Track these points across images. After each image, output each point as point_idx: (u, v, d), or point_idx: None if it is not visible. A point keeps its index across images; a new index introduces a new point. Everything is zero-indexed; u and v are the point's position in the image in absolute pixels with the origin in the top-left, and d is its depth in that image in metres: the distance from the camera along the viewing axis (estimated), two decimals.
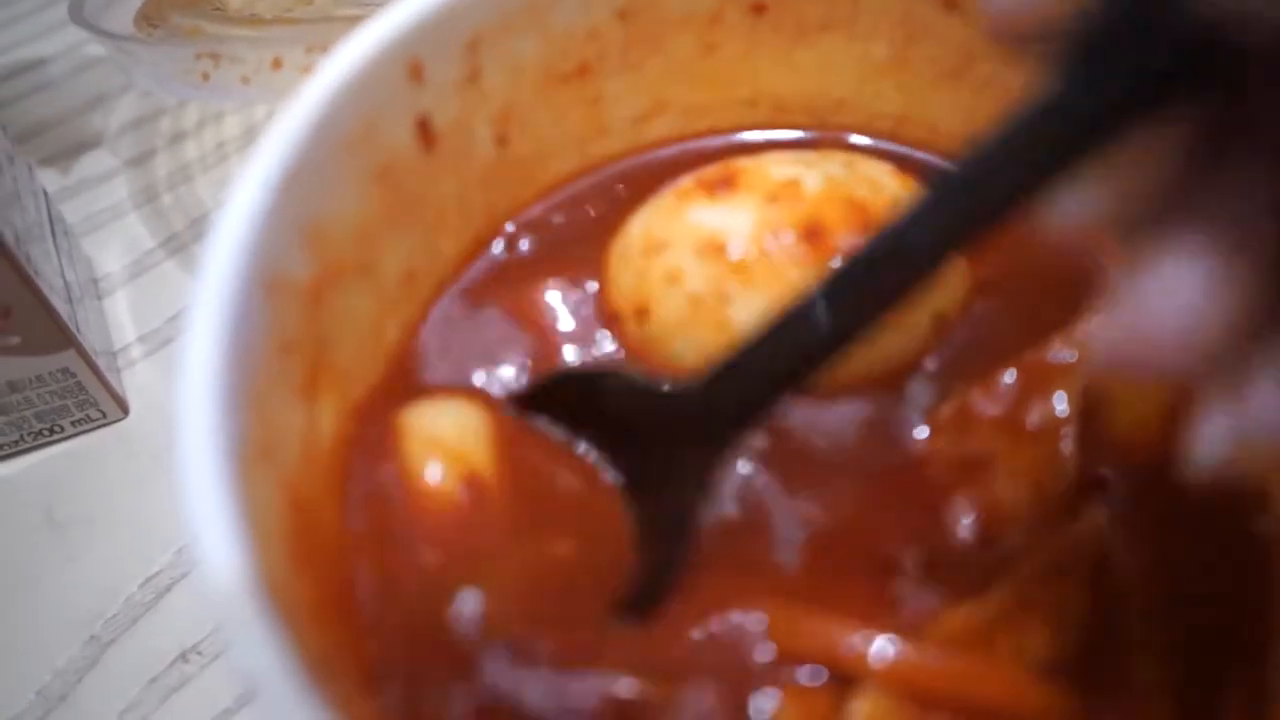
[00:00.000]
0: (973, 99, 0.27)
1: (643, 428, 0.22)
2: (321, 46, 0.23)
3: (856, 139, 0.29)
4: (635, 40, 0.25)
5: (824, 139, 0.28)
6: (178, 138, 0.37)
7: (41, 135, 0.36)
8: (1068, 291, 0.27)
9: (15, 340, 0.26)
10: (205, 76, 0.25)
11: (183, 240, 0.34)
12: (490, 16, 0.22)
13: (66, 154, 0.36)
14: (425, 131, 0.23)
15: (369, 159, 0.21)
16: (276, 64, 0.24)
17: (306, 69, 0.24)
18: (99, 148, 0.36)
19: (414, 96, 0.22)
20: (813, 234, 0.23)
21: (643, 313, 0.24)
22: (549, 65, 0.24)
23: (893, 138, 0.28)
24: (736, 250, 0.23)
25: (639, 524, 0.22)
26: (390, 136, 0.22)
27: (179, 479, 0.16)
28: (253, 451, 0.17)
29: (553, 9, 0.23)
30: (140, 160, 0.36)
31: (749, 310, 0.23)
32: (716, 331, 0.23)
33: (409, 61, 0.21)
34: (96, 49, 0.38)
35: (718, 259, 0.23)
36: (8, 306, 0.25)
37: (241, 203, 0.18)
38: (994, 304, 0.27)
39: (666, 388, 0.21)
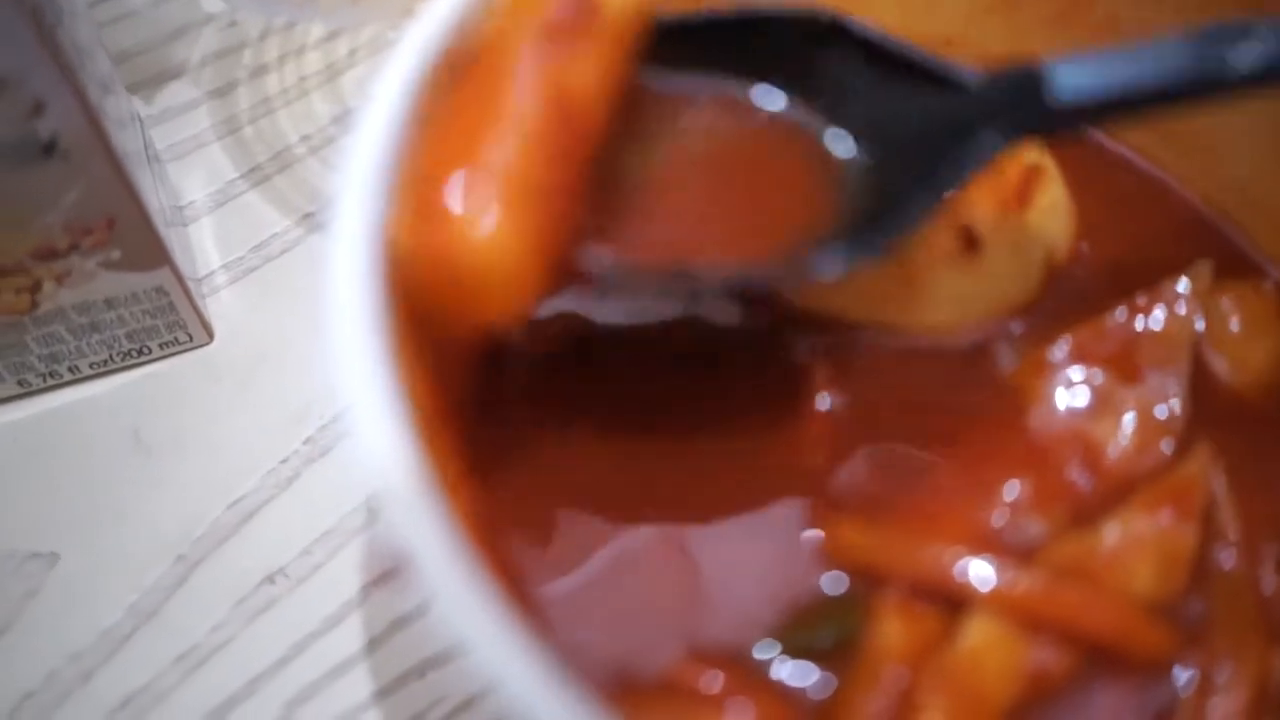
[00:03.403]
0: (1083, 40, 0.26)
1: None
2: None
3: None
4: None
5: None
6: (259, 71, 0.36)
7: (125, 64, 0.36)
8: (1176, 235, 0.27)
9: (116, 254, 0.26)
10: None
11: (265, 172, 0.34)
12: None
13: (150, 83, 0.36)
14: None
15: None
16: None
17: None
18: (181, 78, 0.36)
19: None
20: None
21: None
22: None
23: None
24: None
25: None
26: None
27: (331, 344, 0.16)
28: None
29: None
30: (222, 92, 0.36)
31: None
32: None
33: None
34: None
35: None
36: (113, 217, 0.25)
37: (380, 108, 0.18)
38: (1100, 246, 0.26)
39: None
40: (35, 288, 0.27)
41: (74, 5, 0.25)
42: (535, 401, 0.24)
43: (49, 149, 0.23)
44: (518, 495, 0.22)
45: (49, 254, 0.26)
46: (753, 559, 0.23)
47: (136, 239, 0.26)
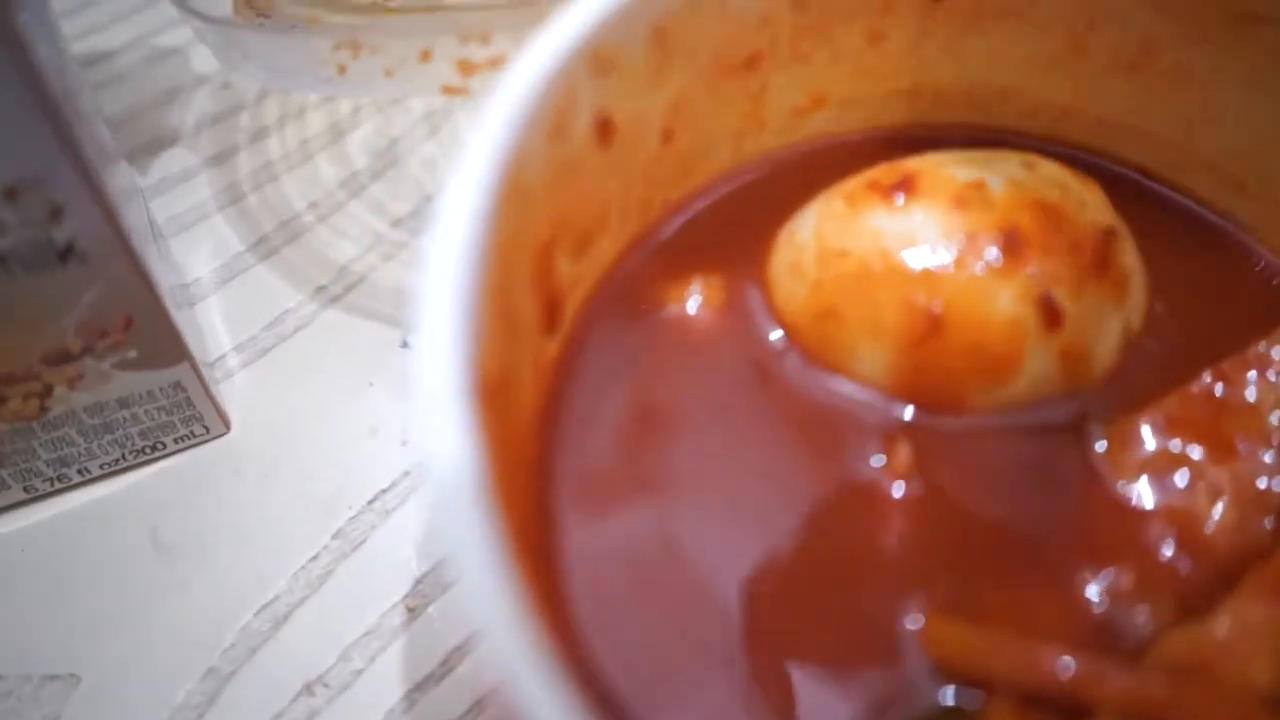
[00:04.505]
0: (1148, 90, 0.25)
1: None
2: (479, 36, 0.22)
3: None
4: (805, 29, 0.24)
5: (981, 137, 0.27)
6: (259, 134, 0.35)
7: (118, 131, 0.34)
8: (1252, 289, 0.26)
9: (133, 354, 0.25)
10: (342, 69, 0.23)
11: (273, 243, 0.32)
12: (674, 4, 0.21)
13: (144, 151, 0.34)
14: (603, 127, 0.21)
15: (556, 155, 0.20)
16: (425, 56, 0.23)
17: (461, 62, 0.22)
18: (177, 144, 0.34)
19: (598, 90, 0.20)
20: (1010, 242, 0.22)
21: (825, 315, 0.23)
22: (721, 55, 0.23)
23: (1052, 130, 0.27)
24: (928, 260, 0.22)
25: None
26: (574, 132, 0.20)
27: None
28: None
29: None
30: (222, 158, 0.34)
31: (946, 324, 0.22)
32: (904, 345, 0.22)
33: (597, 54, 0.20)
34: (167, 39, 0.36)
35: (906, 269, 0.22)
36: (130, 316, 0.24)
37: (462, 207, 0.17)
38: (1175, 306, 0.25)
39: None
40: (45, 392, 0.25)
41: (82, 87, 0.23)
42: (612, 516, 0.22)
43: (65, 254, 0.21)
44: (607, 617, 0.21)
45: (61, 358, 0.24)
46: (846, 662, 0.21)
47: (154, 337, 0.24)
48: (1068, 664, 0.20)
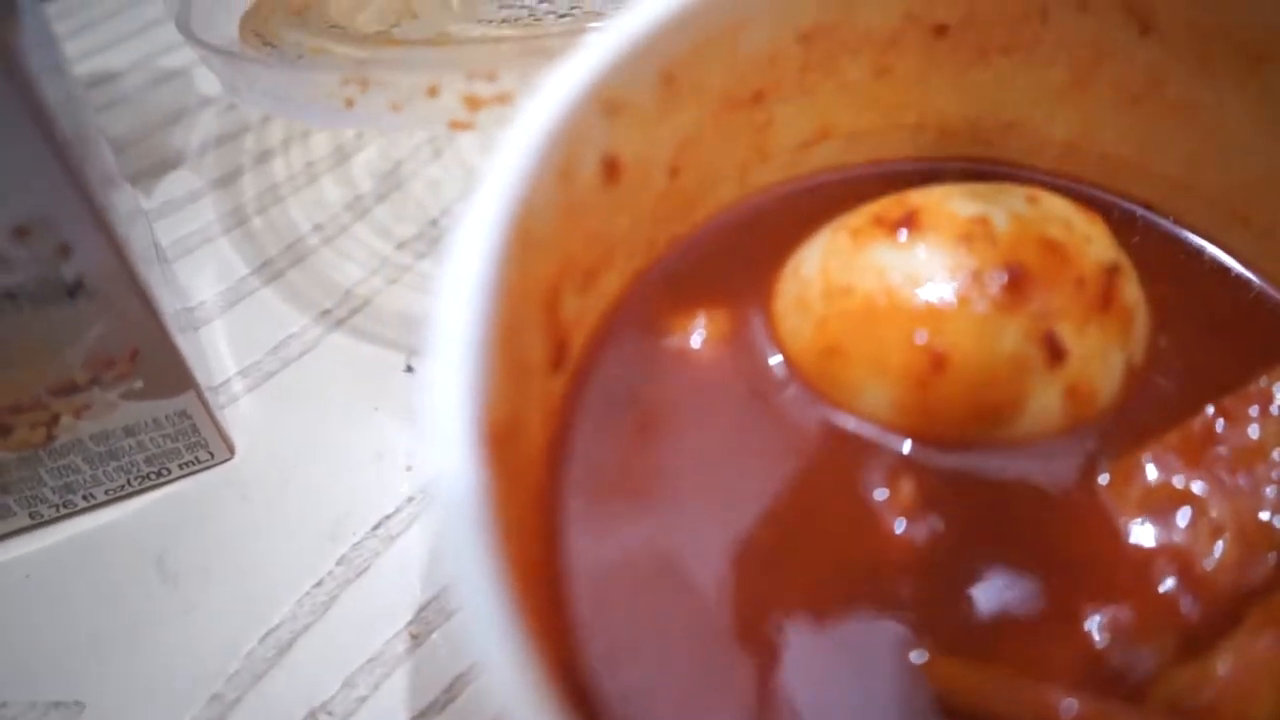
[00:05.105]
0: (1152, 125, 0.25)
1: None
2: (486, 73, 0.22)
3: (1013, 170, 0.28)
4: (811, 65, 0.24)
5: (985, 169, 0.27)
6: (264, 156, 0.35)
7: (122, 154, 0.34)
8: (1254, 322, 0.26)
9: (139, 385, 0.25)
10: (349, 103, 0.23)
11: (278, 266, 0.33)
12: (683, 46, 0.21)
13: (148, 173, 0.34)
14: (611, 167, 0.21)
15: (563, 199, 0.20)
16: (433, 91, 0.23)
17: (468, 97, 0.22)
18: (181, 167, 0.34)
19: (606, 133, 0.20)
20: (1015, 279, 0.22)
21: (830, 352, 0.23)
22: (728, 92, 0.23)
23: (1056, 164, 0.27)
24: (932, 297, 0.22)
25: None
26: (581, 175, 0.20)
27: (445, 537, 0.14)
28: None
29: (741, 33, 0.22)
30: (226, 180, 0.34)
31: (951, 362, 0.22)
32: (908, 382, 0.22)
33: (607, 97, 0.20)
34: (172, 61, 0.36)
35: (910, 307, 0.22)
36: (136, 348, 0.24)
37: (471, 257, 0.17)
38: (1177, 340, 0.25)
39: None
40: (52, 422, 0.25)
41: (87, 117, 0.24)
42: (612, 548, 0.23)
43: (74, 290, 0.21)
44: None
45: (68, 389, 0.24)
46: (852, 696, 0.21)
47: (160, 368, 0.25)
48: (1071, 705, 0.20)
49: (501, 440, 0.17)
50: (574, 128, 0.19)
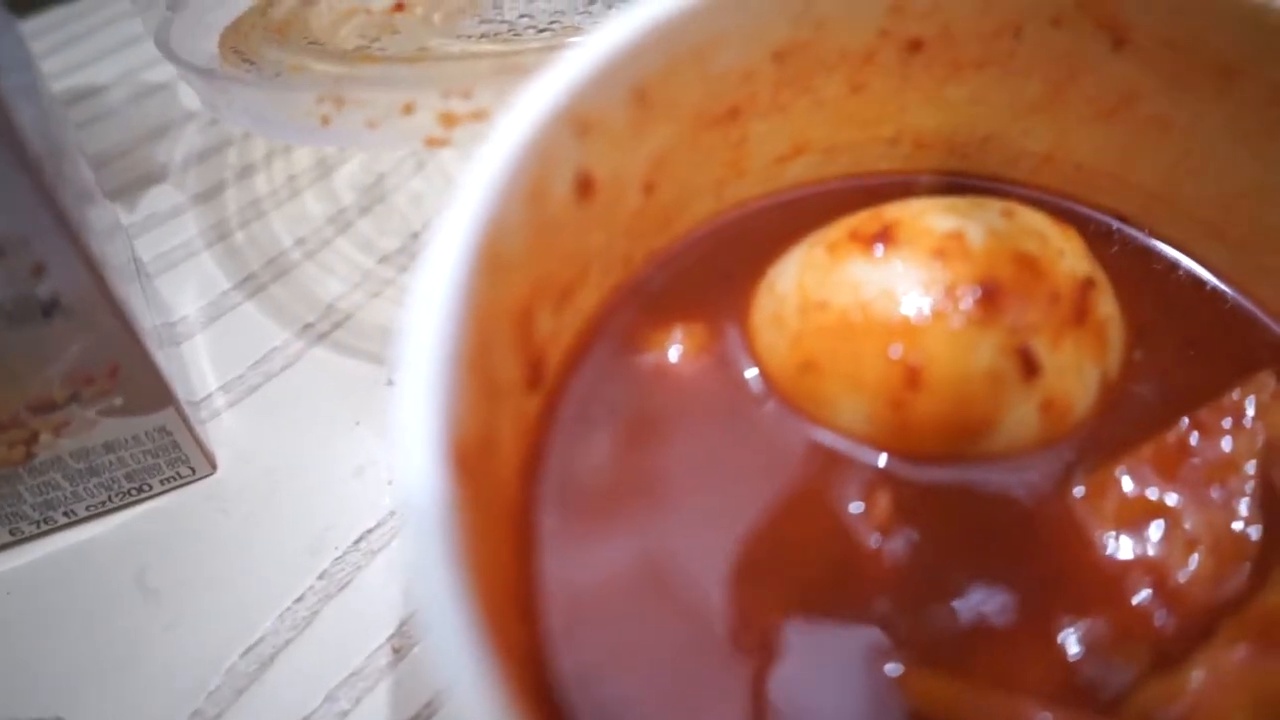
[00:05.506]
0: (1127, 138, 0.26)
1: None
2: (461, 91, 0.22)
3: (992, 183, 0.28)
4: (786, 81, 0.24)
5: (962, 182, 0.27)
6: (246, 171, 0.35)
7: (104, 168, 0.34)
8: (1229, 335, 0.26)
9: (119, 401, 0.25)
10: (325, 120, 0.23)
11: (261, 280, 0.33)
12: (656, 64, 0.21)
13: (131, 188, 0.34)
14: (584, 185, 0.21)
15: (535, 218, 0.20)
16: (408, 108, 0.23)
17: (444, 115, 0.22)
18: (163, 182, 0.34)
19: (579, 151, 0.21)
20: (989, 294, 0.22)
21: (806, 367, 0.23)
22: (702, 110, 0.23)
23: (1032, 177, 0.27)
24: (907, 312, 0.22)
25: None
26: (554, 193, 0.20)
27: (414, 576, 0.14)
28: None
29: (714, 51, 0.22)
30: (209, 195, 0.34)
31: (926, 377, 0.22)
32: (884, 397, 0.22)
33: (578, 116, 0.20)
34: (154, 75, 0.36)
35: (885, 322, 0.22)
36: (116, 365, 0.24)
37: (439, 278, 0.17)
38: (1153, 353, 0.26)
39: None
40: (32, 439, 0.25)
41: (64, 134, 0.24)
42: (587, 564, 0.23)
43: (49, 309, 0.21)
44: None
45: (47, 406, 0.24)
46: (828, 710, 0.21)
47: (140, 385, 0.25)
48: (1045, 719, 0.20)
49: (471, 458, 0.17)
50: (545, 147, 0.19)
